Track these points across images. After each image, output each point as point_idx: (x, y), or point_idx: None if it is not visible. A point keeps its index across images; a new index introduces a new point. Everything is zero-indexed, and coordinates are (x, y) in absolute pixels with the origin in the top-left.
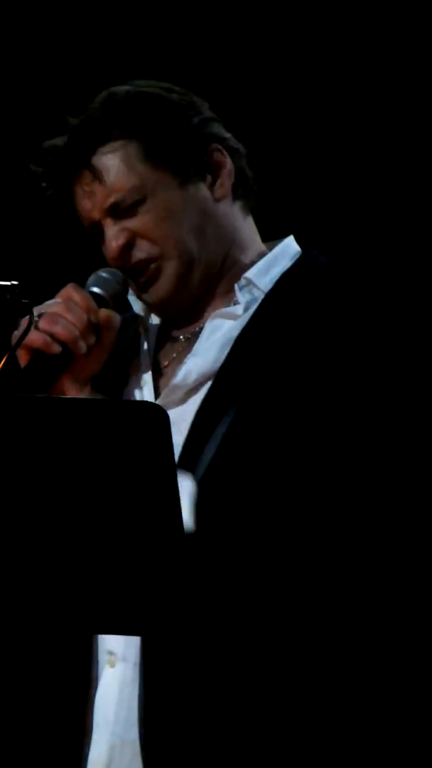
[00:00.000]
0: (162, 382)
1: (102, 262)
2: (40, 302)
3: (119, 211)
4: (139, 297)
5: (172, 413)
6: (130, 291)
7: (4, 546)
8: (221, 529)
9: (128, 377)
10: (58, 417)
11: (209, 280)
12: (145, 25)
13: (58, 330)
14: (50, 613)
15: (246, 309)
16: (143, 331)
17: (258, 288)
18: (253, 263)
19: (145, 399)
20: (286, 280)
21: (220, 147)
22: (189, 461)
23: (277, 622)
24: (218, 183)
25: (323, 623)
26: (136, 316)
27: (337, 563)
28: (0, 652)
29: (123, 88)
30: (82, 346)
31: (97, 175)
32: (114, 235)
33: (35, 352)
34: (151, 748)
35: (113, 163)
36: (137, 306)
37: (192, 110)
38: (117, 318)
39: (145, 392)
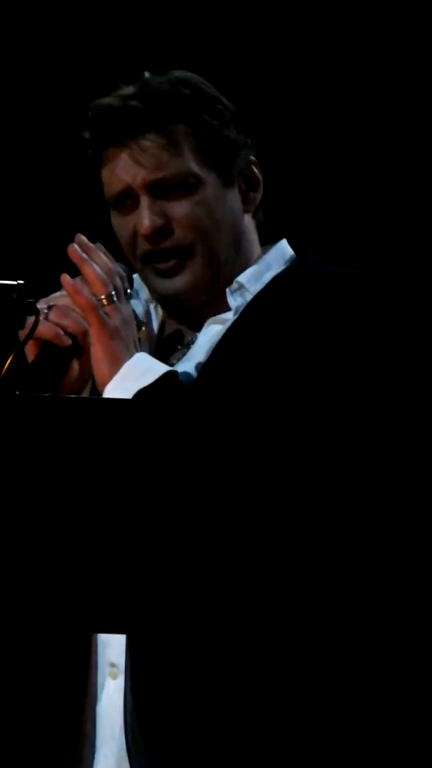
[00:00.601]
0: None
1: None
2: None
3: (162, 189)
4: (149, 282)
5: None
6: (136, 293)
7: (8, 544)
8: (210, 524)
9: None
10: (67, 416)
11: (221, 286)
12: (145, 24)
13: (69, 323)
14: (55, 612)
15: (236, 313)
16: (143, 337)
17: (249, 292)
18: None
19: None
20: (276, 284)
21: (257, 162)
22: None
23: (270, 621)
24: (251, 196)
25: (315, 621)
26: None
27: (328, 558)
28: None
29: (194, 78)
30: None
31: (152, 146)
32: (152, 214)
33: (45, 345)
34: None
35: (172, 142)
36: (140, 308)
37: (240, 120)
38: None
39: None
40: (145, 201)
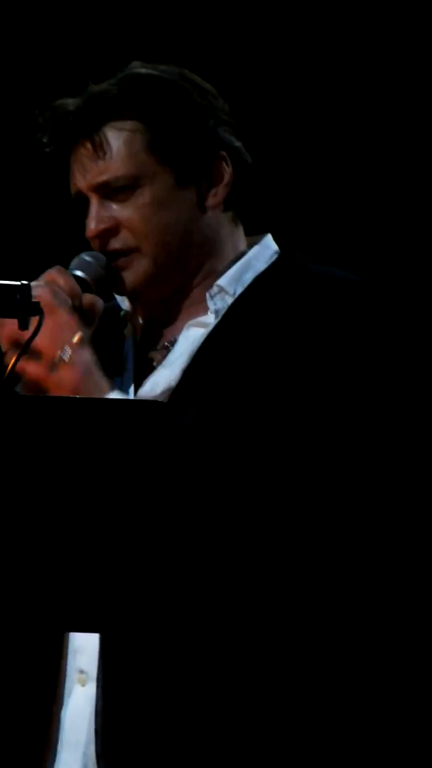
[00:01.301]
0: (139, 391)
1: None
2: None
3: (107, 191)
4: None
5: None
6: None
7: (5, 544)
8: (198, 534)
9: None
10: (59, 416)
11: (184, 285)
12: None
13: None
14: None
15: (217, 317)
16: (128, 333)
17: (229, 294)
18: (226, 268)
19: None
20: (257, 285)
21: (225, 156)
22: None
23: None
24: (212, 191)
25: (311, 623)
26: (118, 308)
27: (324, 560)
28: None
29: (148, 70)
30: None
31: (97, 148)
32: (96, 217)
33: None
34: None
35: (117, 143)
36: (125, 304)
37: (209, 112)
38: (100, 303)
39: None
40: (92, 204)
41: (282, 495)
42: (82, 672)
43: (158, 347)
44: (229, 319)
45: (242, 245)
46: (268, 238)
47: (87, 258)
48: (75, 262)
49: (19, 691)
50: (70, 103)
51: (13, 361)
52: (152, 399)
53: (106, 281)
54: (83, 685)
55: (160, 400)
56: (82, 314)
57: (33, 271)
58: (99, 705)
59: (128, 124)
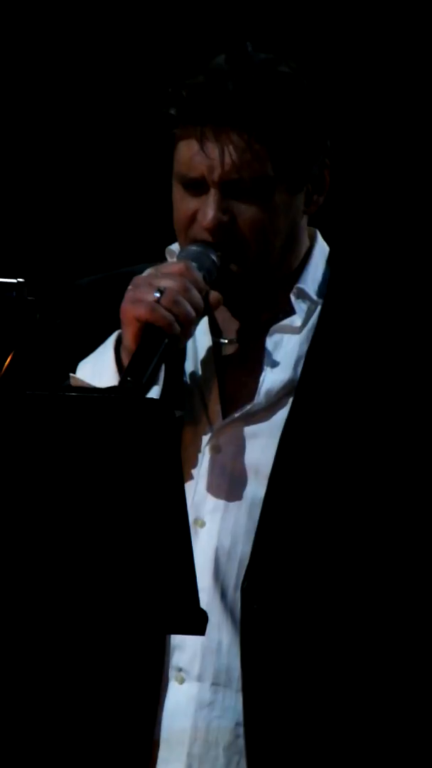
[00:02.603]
0: (226, 386)
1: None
2: (44, 302)
3: (235, 189)
4: None
5: (247, 425)
6: None
7: (8, 543)
8: (320, 548)
9: (182, 366)
10: (67, 414)
11: (270, 284)
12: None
13: (180, 311)
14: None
15: (304, 321)
16: (203, 332)
17: (310, 298)
18: (298, 266)
19: (212, 404)
20: (334, 292)
21: (329, 165)
22: (286, 478)
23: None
24: (315, 198)
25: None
26: None
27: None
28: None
29: (289, 69)
30: (194, 329)
31: (236, 143)
32: (218, 210)
33: (150, 329)
34: None
35: (256, 143)
36: None
37: (329, 122)
38: (221, 300)
39: (213, 395)
40: (214, 195)
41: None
42: (180, 670)
43: (232, 342)
44: (325, 329)
45: (308, 242)
46: (320, 235)
47: (199, 249)
48: (188, 253)
49: (120, 690)
50: (217, 83)
51: (9, 359)
52: (266, 404)
53: (214, 276)
54: (180, 683)
55: (271, 402)
56: (207, 310)
57: (33, 269)
58: (242, 711)
59: (269, 128)
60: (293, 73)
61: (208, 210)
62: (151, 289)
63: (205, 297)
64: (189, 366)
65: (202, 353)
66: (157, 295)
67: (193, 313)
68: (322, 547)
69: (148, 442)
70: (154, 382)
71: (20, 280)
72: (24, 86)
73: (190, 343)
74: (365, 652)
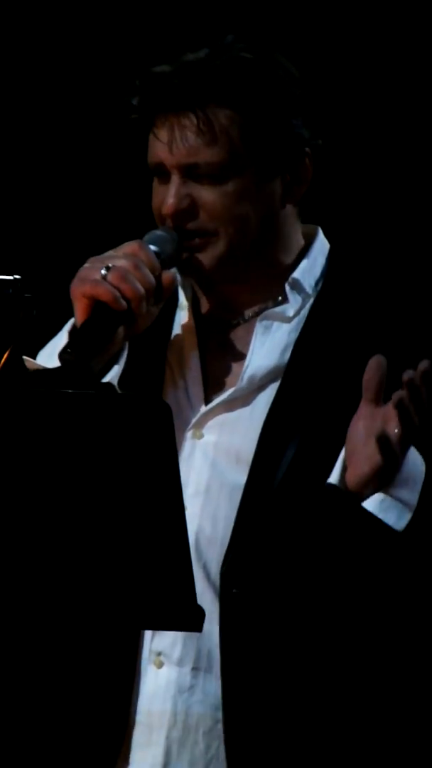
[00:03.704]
0: (209, 373)
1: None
2: (41, 298)
3: (195, 173)
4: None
5: (231, 411)
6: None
7: (6, 541)
8: (298, 530)
9: (165, 354)
10: (63, 410)
11: (251, 274)
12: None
13: (127, 287)
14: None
15: (296, 311)
16: (184, 313)
17: (304, 290)
18: (293, 260)
19: (195, 390)
20: (329, 285)
21: (310, 153)
22: (267, 465)
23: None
24: (296, 188)
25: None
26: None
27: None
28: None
29: (251, 55)
30: (144, 307)
31: (198, 126)
32: (178, 195)
33: (98, 306)
34: (237, 758)
35: (216, 127)
36: (179, 280)
37: (301, 108)
38: (177, 280)
39: (197, 382)
40: (174, 181)
41: None
42: (160, 654)
43: (220, 328)
44: (316, 318)
45: (302, 239)
46: (321, 232)
47: (161, 234)
48: (149, 236)
49: (94, 673)
50: (174, 71)
51: (6, 355)
52: (250, 389)
53: (175, 259)
54: (159, 667)
55: (254, 388)
56: (159, 290)
57: (29, 266)
58: (221, 697)
59: (227, 111)
60: (255, 59)
61: (169, 197)
62: (100, 267)
63: (159, 277)
64: (171, 352)
65: (185, 338)
66: (104, 272)
67: (141, 289)
68: (301, 534)
69: (143, 439)
70: (96, 355)
71: (16, 276)
72: (24, 86)
73: (174, 329)
74: (342, 637)
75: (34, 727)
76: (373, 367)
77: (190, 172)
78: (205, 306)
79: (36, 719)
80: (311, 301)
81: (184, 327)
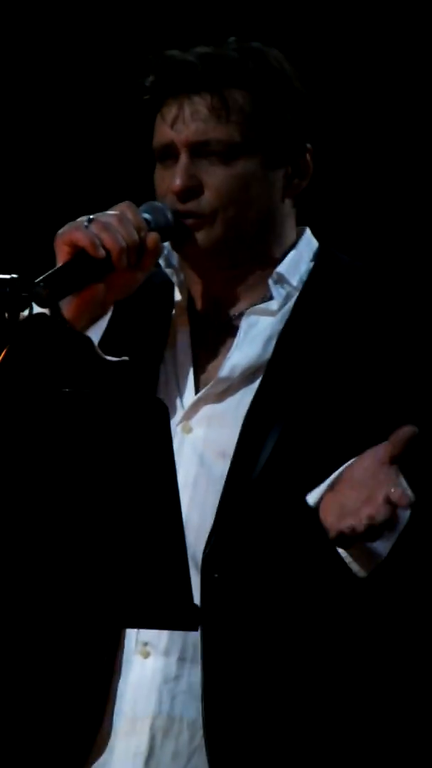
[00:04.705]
0: (200, 370)
1: None
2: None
3: (203, 152)
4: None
5: (218, 405)
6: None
7: (6, 539)
8: (278, 523)
9: (162, 354)
10: (59, 408)
11: (245, 265)
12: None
13: (107, 237)
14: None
15: (280, 305)
16: (180, 313)
17: (289, 284)
18: (283, 256)
19: (186, 386)
20: (315, 279)
21: (311, 150)
22: (247, 456)
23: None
24: (296, 181)
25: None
26: (166, 279)
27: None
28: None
29: (266, 50)
30: (124, 260)
31: (203, 107)
32: (186, 173)
33: (78, 252)
34: (217, 748)
35: (224, 107)
36: (175, 278)
37: (308, 103)
38: (162, 246)
39: (188, 378)
40: (183, 159)
41: None
42: (146, 644)
43: (213, 326)
44: (300, 312)
45: (294, 236)
46: (309, 232)
47: (158, 204)
48: (145, 206)
49: (77, 661)
50: (191, 55)
51: (3, 354)
52: (231, 382)
53: (170, 233)
54: (145, 657)
55: (236, 381)
56: (142, 251)
57: (26, 265)
58: (203, 686)
59: (242, 94)
60: (266, 50)
61: (176, 175)
62: (84, 219)
63: (143, 238)
64: (167, 350)
65: (179, 337)
66: (87, 223)
67: (122, 241)
68: (282, 522)
69: (139, 436)
70: (68, 294)
71: (14, 275)
72: (24, 86)
73: (170, 328)
74: (324, 624)
75: (13, 713)
76: (407, 433)
77: (199, 151)
78: (199, 305)
79: (16, 706)
80: (297, 295)
81: (179, 326)
